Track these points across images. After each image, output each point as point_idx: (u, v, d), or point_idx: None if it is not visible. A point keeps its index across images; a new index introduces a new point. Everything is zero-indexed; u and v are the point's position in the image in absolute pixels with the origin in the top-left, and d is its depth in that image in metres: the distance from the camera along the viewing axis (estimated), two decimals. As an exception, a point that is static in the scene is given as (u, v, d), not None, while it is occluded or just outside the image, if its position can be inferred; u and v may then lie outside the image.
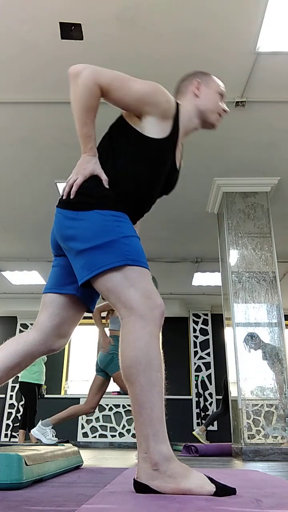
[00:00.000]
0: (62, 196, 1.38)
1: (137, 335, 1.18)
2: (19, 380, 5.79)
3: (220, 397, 5.93)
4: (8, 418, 7.49)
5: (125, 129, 1.42)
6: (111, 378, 3.81)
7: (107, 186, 1.33)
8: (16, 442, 6.76)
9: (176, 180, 1.57)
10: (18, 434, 7.20)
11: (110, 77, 1.36)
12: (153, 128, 1.39)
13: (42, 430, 3.82)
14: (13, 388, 7.68)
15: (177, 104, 1.46)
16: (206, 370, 7.79)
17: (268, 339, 3.80)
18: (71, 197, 1.34)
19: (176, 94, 1.56)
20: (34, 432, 3.85)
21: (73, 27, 2.73)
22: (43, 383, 5.86)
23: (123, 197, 1.34)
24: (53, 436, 3.82)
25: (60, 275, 1.47)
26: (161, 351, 1.21)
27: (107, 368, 3.75)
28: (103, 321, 3.94)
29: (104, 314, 3.96)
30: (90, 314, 1.62)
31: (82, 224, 1.28)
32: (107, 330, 3.94)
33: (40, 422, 3.90)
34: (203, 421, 7.12)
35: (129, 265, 1.23)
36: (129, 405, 6.97)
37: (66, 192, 1.36)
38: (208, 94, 1.54)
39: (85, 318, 1.65)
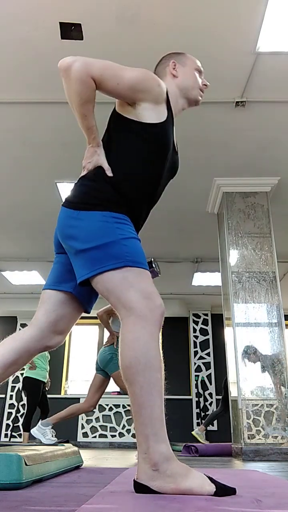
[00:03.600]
0: (69, 194, 1.41)
1: (137, 335, 1.18)
2: (25, 375, 5.73)
3: (220, 397, 5.93)
4: (8, 418, 7.48)
5: (122, 122, 1.42)
6: (111, 378, 3.81)
7: (110, 175, 1.35)
8: (16, 442, 6.76)
9: (178, 162, 1.58)
10: (18, 435, 7.22)
11: (101, 67, 1.35)
12: (150, 114, 1.39)
13: (41, 430, 3.83)
14: (13, 388, 7.67)
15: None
16: (206, 370, 7.79)
17: (268, 339, 3.80)
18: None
19: None
20: (34, 432, 3.86)
21: (73, 27, 2.73)
22: (46, 381, 5.86)
23: (129, 193, 1.35)
24: (52, 436, 3.83)
25: (59, 272, 1.47)
26: (161, 351, 1.21)
27: (106, 367, 3.76)
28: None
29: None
30: (90, 314, 1.62)
31: (83, 224, 1.30)
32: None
33: (40, 422, 3.91)
34: (203, 421, 7.13)
35: (129, 266, 1.24)
36: (129, 405, 6.94)
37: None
38: (185, 72, 1.56)
39: (85, 318, 1.65)
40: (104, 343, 3.93)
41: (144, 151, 1.39)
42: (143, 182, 1.39)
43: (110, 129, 1.46)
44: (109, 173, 1.35)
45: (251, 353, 3.74)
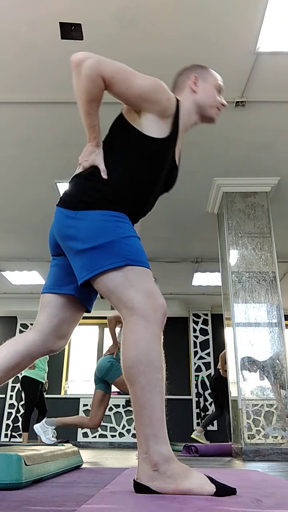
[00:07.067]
0: (63, 194, 1.39)
1: (139, 335, 1.17)
2: (24, 374, 5.71)
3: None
4: (8, 418, 7.48)
5: (125, 127, 1.41)
6: (110, 394, 3.80)
7: (105, 177, 1.34)
8: (16, 442, 6.75)
9: (176, 176, 1.56)
10: (18, 435, 7.22)
11: (113, 68, 1.34)
12: (152, 126, 1.38)
13: (44, 428, 3.83)
14: (13, 388, 7.67)
15: (177, 101, 1.45)
16: (206, 370, 7.79)
17: (268, 339, 3.79)
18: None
19: (173, 89, 1.55)
20: (36, 427, 3.87)
21: (73, 27, 2.73)
22: (44, 382, 5.86)
23: (124, 196, 1.34)
24: (52, 436, 3.83)
25: (58, 275, 1.46)
26: (162, 351, 1.21)
27: (106, 376, 3.71)
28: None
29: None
30: (90, 314, 1.62)
31: (81, 223, 1.28)
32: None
33: (44, 420, 3.92)
34: (201, 423, 7.14)
35: (129, 265, 1.23)
36: (129, 405, 6.96)
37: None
38: (205, 89, 1.53)
39: (85, 318, 1.64)
40: (104, 352, 3.90)
41: (139, 161, 1.38)
42: (136, 190, 1.38)
43: (113, 131, 1.45)
44: (104, 175, 1.34)
45: (248, 364, 3.68)
